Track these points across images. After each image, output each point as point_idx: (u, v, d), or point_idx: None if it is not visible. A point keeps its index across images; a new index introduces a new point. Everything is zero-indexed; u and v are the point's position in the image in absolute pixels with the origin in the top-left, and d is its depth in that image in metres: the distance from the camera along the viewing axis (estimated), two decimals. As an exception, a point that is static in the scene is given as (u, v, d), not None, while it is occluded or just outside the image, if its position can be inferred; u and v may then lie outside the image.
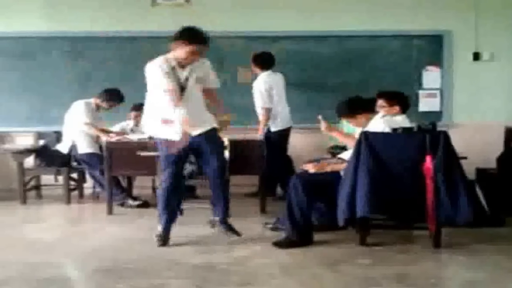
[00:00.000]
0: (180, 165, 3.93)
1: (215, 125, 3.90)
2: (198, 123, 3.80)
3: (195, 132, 3.80)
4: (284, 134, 5.64)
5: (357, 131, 4.19)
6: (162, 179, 3.92)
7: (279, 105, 5.56)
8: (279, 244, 3.79)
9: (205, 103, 3.94)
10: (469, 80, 6.30)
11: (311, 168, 3.93)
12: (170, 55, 3.76)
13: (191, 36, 3.67)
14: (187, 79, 3.76)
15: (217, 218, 3.95)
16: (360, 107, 4.03)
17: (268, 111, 5.49)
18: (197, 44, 3.68)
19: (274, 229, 4.17)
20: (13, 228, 4.57)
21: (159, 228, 3.89)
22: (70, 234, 4.38)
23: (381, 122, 3.83)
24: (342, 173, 3.78)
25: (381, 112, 3.99)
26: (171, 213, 3.90)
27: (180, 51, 3.70)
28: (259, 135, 5.38)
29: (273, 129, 5.57)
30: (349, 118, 4.09)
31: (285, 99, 5.66)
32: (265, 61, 5.58)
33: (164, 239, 3.85)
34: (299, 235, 3.78)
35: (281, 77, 5.65)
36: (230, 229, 3.95)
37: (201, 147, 3.86)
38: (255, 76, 5.65)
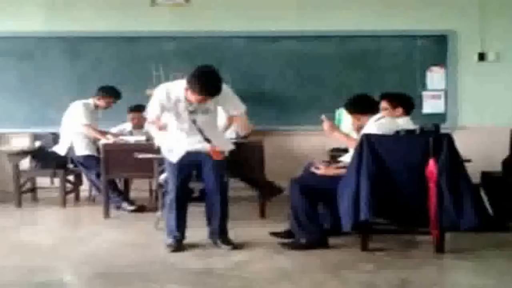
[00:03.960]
0: (186, 172, 3.88)
1: (225, 148, 3.89)
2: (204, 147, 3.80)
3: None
4: None
5: (351, 133, 4.11)
6: (169, 188, 3.88)
7: None
8: (291, 246, 3.75)
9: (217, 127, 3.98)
10: (475, 81, 6.16)
11: (322, 170, 3.85)
12: (183, 87, 3.68)
13: (202, 89, 3.55)
14: (194, 110, 3.72)
15: (211, 229, 3.91)
16: (364, 107, 3.93)
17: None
18: (207, 96, 3.61)
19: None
20: (8, 231, 4.50)
21: (168, 239, 3.85)
22: (66, 238, 4.31)
23: (373, 126, 3.73)
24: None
25: (379, 115, 3.90)
26: (182, 220, 3.88)
27: (190, 95, 3.63)
28: None
29: None
30: (354, 116, 3.96)
31: None
32: None
33: (179, 245, 3.81)
34: (315, 240, 3.73)
35: None
36: (224, 240, 3.86)
37: (202, 164, 3.84)
38: None
